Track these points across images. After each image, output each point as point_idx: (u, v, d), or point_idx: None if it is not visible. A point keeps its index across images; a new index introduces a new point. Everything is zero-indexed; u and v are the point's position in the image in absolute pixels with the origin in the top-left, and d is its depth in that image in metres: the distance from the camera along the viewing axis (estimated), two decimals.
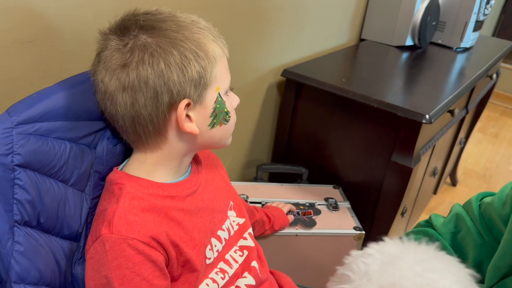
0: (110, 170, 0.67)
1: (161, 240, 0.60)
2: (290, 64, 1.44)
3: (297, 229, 1.15)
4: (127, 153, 0.69)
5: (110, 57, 0.58)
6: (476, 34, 1.85)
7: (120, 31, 0.59)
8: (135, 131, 0.62)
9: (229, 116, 0.67)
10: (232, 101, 0.68)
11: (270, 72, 1.39)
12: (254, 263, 0.79)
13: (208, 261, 0.69)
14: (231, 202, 0.79)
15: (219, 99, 0.64)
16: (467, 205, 0.78)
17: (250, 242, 0.80)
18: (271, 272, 0.88)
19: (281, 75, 1.36)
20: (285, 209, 1.16)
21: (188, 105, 0.61)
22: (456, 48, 1.80)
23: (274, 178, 1.52)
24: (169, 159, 0.66)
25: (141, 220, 0.60)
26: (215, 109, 0.64)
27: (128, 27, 0.59)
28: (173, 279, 0.64)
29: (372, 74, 1.45)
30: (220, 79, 0.64)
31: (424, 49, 1.78)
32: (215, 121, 0.65)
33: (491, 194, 0.77)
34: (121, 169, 0.66)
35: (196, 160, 0.75)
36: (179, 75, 0.58)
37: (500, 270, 0.66)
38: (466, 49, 1.84)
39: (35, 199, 0.54)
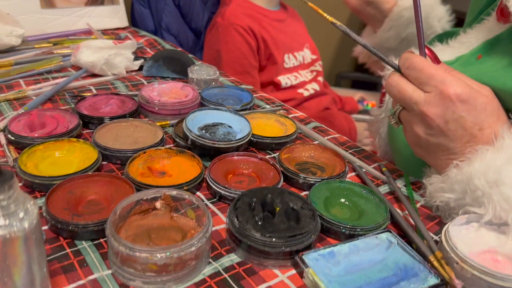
0: None
1: (255, 32, 0.86)
2: None
3: None
4: None
5: None
6: None
7: None
8: None
9: None
10: None
11: None
12: (320, 79, 1.03)
13: (285, 65, 0.94)
14: (307, 44, 1.02)
15: None
16: None
17: (318, 68, 1.03)
18: (339, 97, 1.12)
19: None
20: (356, 97, 1.35)
21: None
22: None
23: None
24: None
25: (243, 17, 0.87)
26: None
27: None
28: (261, 69, 0.90)
29: None
30: None
31: None
32: None
33: None
34: None
35: (284, 9, 1.00)
36: None
37: None
38: None
39: None
